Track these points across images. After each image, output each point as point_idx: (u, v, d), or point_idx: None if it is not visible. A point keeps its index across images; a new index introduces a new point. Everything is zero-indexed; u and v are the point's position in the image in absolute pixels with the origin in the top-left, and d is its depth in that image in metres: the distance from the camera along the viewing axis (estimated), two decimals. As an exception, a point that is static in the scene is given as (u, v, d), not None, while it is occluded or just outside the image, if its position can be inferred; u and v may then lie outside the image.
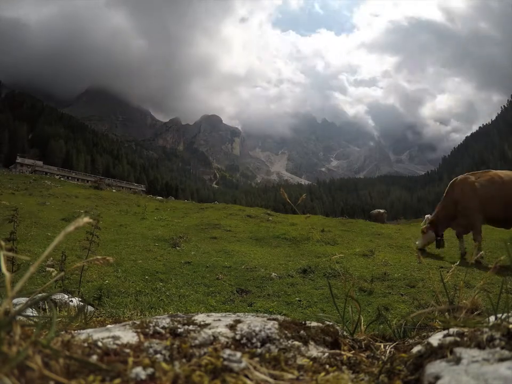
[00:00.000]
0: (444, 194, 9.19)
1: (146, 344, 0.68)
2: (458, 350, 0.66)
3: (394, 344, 0.94)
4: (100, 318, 1.54)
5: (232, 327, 0.81)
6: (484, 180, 8.58)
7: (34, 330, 0.60)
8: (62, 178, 49.20)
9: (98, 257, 0.75)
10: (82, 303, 2.95)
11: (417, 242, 9.33)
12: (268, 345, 0.76)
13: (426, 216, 9.41)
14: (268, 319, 0.90)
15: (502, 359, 0.59)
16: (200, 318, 0.89)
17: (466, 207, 8.61)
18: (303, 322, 0.93)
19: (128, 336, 0.72)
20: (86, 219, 0.59)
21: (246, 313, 1.02)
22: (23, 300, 1.55)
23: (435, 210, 9.31)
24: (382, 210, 25.72)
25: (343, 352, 0.81)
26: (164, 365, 0.61)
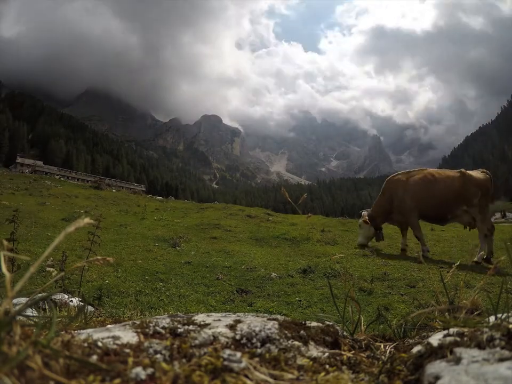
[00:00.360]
0: (380, 192, 9.41)
1: (146, 344, 0.68)
2: (458, 350, 0.66)
3: (394, 344, 0.94)
4: (99, 318, 1.54)
5: (232, 327, 0.81)
6: (417, 178, 8.78)
7: (34, 330, 0.60)
8: (62, 178, 49.22)
9: (99, 257, 0.75)
10: (82, 303, 2.95)
11: (359, 240, 9.47)
12: (268, 345, 0.76)
13: (363, 212, 9.46)
14: (268, 319, 0.90)
15: (502, 359, 0.59)
16: (200, 318, 0.89)
17: (400, 204, 8.86)
18: (303, 322, 0.93)
19: (128, 336, 0.72)
20: (87, 220, 0.59)
21: (246, 313, 1.02)
22: (23, 300, 1.55)
23: (372, 206, 9.59)
24: None
25: (343, 352, 0.81)
26: (164, 365, 0.61)
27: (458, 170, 8.92)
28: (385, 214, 9.19)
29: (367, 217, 9.14)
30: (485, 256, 8.05)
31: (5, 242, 0.56)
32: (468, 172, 8.74)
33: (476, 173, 8.75)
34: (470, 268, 6.64)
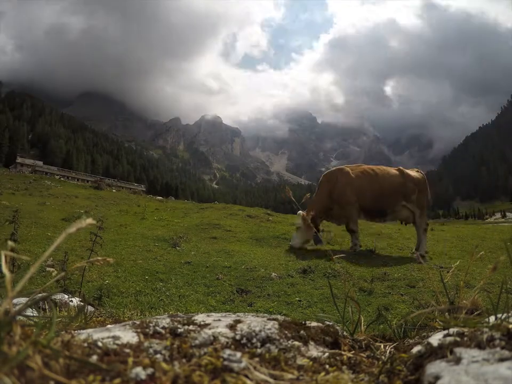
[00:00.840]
0: (318, 188, 9.24)
1: (146, 344, 0.68)
2: (458, 350, 0.66)
3: (395, 344, 0.94)
4: (100, 318, 1.54)
5: (232, 327, 0.81)
6: (358, 171, 8.98)
7: (34, 330, 0.60)
8: (62, 178, 49.23)
9: (99, 258, 0.75)
10: (82, 303, 2.95)
11: (293, 242, 8.88)
12: (267, 345, 0.76)
13: (299, 212, 8.58)
14: (268, 319, 0.90)
15: (502, 359, 0.59)
16: (200, 318, 0.89)
17: (340, 197, 8.76)
18: (303, 322, 0.93)
19: (128, 336, 0.73)
20: (89, 220, 0.59)
21: (246, 313, 1.02)
22: (23, 300, 1.55)
23: (309, 206, 9.03)
24: None
25: (343, 352, 0.81)
26: (164, 365, 0.61)
27: (396, 168, 9.43)
28: (325, 211, 8.97)
29: (307, 218, 8.48)
30: (414, 250, 8.62)
31: (10, 243, 0.56)
32: (405, 170, 9.30)
33: (412, 172, 9.38)
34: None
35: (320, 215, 8.95)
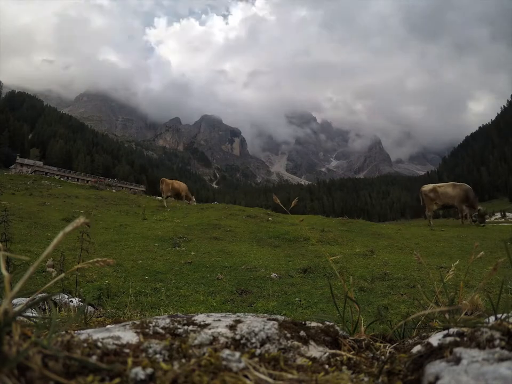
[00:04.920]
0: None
1: (146, 344, 0.68)
2: (458, 350, 0.66)
3: (394, 344, 0.94)
4: (99, 318, 1.54)
5: (232, 327, 0.81)
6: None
7: (34, 330, 0.60)
8: (62, 179, 49.27)
9: (99, 259, 0.75)
10: (82, 303, 2.95)
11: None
12: (267, 345, 0.76)
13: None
14: (268, 319, 0.90)
15: (502, 359, 0.59)
16: (200, 318, 0.89)
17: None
18: (303, 322, 0.93)
19: (128, 336, 0.73)
20: (83, 219, 0.59)
21: (246, 314, 1.02)
22: (23, 300, 1.55)
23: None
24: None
25: (343, 353, 0.81)
26: (163, 365, 0.61)
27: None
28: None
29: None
30: None
31: (0, 244, 0.56)
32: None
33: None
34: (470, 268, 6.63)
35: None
